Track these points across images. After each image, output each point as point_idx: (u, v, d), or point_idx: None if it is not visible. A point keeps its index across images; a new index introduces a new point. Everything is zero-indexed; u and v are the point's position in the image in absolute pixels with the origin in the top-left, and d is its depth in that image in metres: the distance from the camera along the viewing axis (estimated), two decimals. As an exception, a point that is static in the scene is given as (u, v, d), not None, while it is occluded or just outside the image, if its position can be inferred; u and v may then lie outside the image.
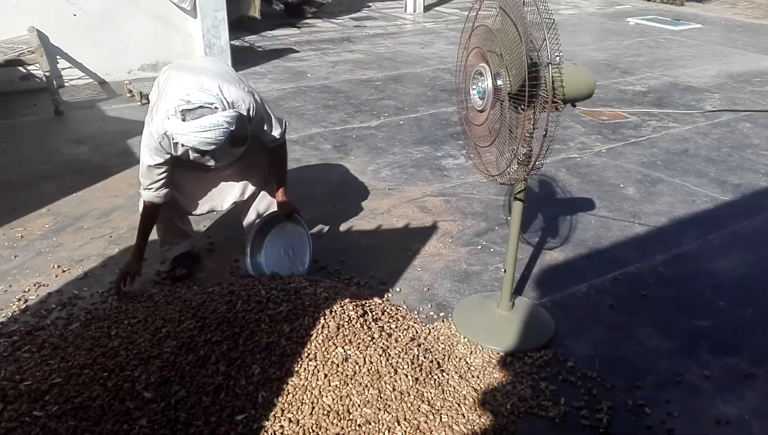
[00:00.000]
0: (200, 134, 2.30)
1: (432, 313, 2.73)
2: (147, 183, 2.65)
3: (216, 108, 2.34)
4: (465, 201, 3.80)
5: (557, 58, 2.15)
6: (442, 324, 2.63)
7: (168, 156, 2.54)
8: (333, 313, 2.28)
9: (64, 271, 2.99)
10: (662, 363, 2.45)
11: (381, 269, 3.06)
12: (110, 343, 2.35)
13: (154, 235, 2.94)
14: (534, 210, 3.69)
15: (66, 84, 6.01)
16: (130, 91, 5.65)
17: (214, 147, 2.36)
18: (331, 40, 8.31)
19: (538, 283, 2.98)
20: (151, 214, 2.77)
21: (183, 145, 2.41)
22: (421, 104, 5.68)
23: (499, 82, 2.16)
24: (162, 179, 2.64)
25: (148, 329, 2.36)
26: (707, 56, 7.81)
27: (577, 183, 4.09)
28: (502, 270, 2.61)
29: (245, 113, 2.52)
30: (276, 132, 2.77)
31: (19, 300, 2.74)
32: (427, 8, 10.50)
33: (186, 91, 2.39)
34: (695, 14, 10.95)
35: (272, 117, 2.76)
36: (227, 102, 2.45)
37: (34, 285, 2.87)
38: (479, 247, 3.30)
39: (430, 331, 2.55)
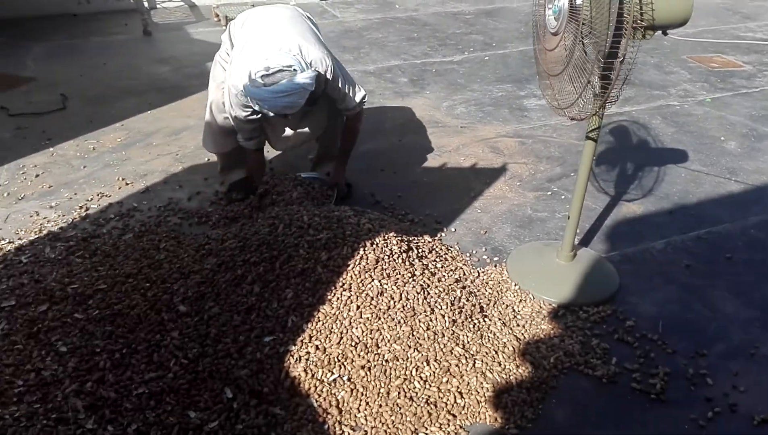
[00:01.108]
0: (280, 99, 2.30)
1: (485, 257, 2.57)
2: (245, 136, 2.69)
3: (295, 70, 2.31)
4: (542, 144, 3.54)
5: (647, -26, 1.86)
6: (493, 269, 2.46)
7: (252, 109, 2.49)
8: (374, 246, 2.17)
9: (127, 184, 3.04)
10: (736, 332, 2.19)
11: (438, 208, 2.90)
12: (157, 255, 2.37)
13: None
14: (617, 157, 3.38)
15: (158, 6, 6.10)
16: (217, 16, 5.65)
17: (293, 110, 2.36)
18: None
19: (609, 236, 2.74)
20: (257, 159, 2.82)
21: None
22: (511, 40, 5.34)
23: (578, 1, 1.90)
24: (256, 127, 2.65)
25: (193, 245, 2.36)
26: None
27: (672, 132, 3.71)
28: (567, 216, 2.39)
29: (323, 73, 2.47)
30: (353, 100, 2.66)
31: (81, 208, 2.82)
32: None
33: (264, 55, 2.35)
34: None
35: (350, 84, 2.65)
36: (306, 62, 2.40)
37: (98, 195, 2.94)
38: (549, 193, 3.07)
39: (479, 275, 2.40)
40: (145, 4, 5.81)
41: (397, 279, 2.09)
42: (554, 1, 2.00)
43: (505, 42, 5.29)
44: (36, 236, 2.59)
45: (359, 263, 2.10)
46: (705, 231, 2.76)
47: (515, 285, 2.35)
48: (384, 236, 2.24)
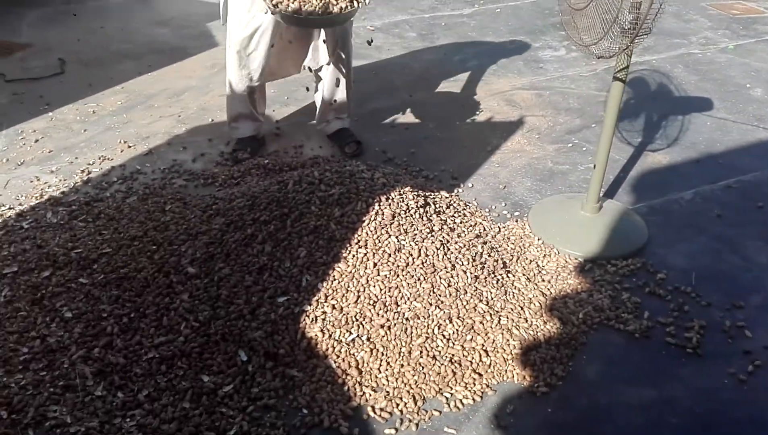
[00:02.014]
0: None
1: (505, 212, 2.45)
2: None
3: None
4: (560, 95, 3.39)
5: None
6: (515, 224, 2.35)
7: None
8: (390, 201, 2.06)
9: (129, 147, 2.93)
10: (774, 283, 2.08)
11: (454, 163, 2.78)
12: (163, 217, 2.27)
13: (221, 115, 2.79)
14: (641, 108, 3.23)
15: (155, -33, 5.89)
16: (216, -25, 5.45)
17: None
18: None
19: (635, 187, 2.61)
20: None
21: None
22: (521, -7, 5.13)
23: (605, -71, 1.75)
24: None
25: (200, 206, 2.25)
26: None
27: (695, 81, 3.55)
28: (592, 166, 2.26)
29: None
30: None
31: (83, 172, 2.71)
32: None
33: None
34: None
35: None
36: None
37: (99, 158, 2.82)
38: (570, 145, 2.93)
39: (500, 230, 2.28)
40: (142, -35, 5.61)
41: (415, 235, 1.98)
42: (579, -70, 1.85)
43: (517, -6, 5.08)
44: (37, 201, 2.49)
45: (375, 219, 1.99)
46: (734, 180, 2.63)
47: (538, 239, 2.24)
48: (399, 191, 2.13)
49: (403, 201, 2.10)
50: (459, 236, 2.08)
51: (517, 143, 2.97)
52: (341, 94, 2.83)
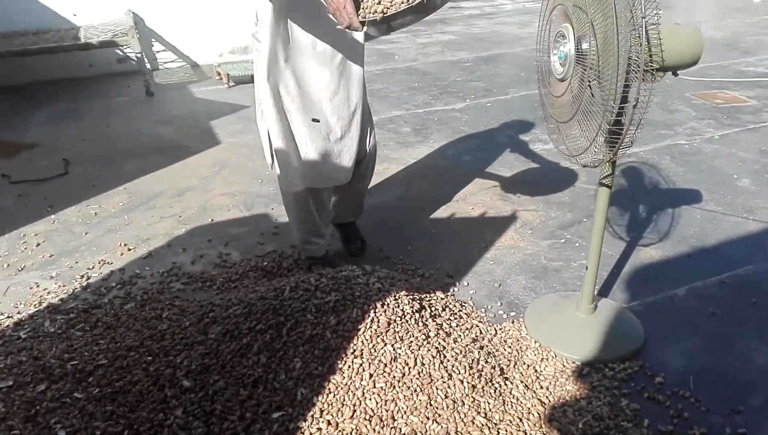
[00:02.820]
0: None
1: (501, 312, 2.46)
2: None
3: None
4: (551, 189, 3.47)
5: (655, 16, 1.81)
6: (511, 325, 2.35)
7: None
8: (385, 307, 2.07)
9: (129, 250, 2.97)
10: (774, 386, 2.06)
11: (449, 260, 2.81)
12: (160, 325, 2.28)
13: (221, 215, 2.83)
14: (630, 201, 3.30)
15: (161, 66, 6.16)
16: (219, 74, 5.69)
17: None
18: (424, 21, 8.04)
19: (629, 284, 2.63)
20: None
21: None
22: (512, 85, 5.34)
23: (584, 46, 1.86)
24: None
25: (196, 313, 2.27)
26: None
27: (683, 172, 3.64)
28: (585, 267, 2.29)
29: None
30: None
31: (82, 277, 2.74)
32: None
33: None
34: (835, -12, 9.72)
35: None
36: None
37: (99, 262, 2.86)
38: (563, 240, 2.98)
39: (496, 332, 2.29)
40: (148, 65, 5.87)
41: (411, 342, 1.99)
42: (559, 47, 1.96)
43: (507, 87, 5.28)
44: (35, 309, 2.51)
45: (370, 327, 2.00)
46: (727, 274, 2.66)
47: (535, 342, 2.24)
48: (395, 295, 2.15)
49: (398, 306, 2.11)
50: (455, 341, 2.09)
51: (511, 239, 3.01)
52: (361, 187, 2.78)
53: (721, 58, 5.98)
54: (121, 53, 5.82)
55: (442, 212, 3.25)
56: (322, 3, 1.96)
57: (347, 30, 1.97)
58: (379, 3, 1.86)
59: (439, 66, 5.94)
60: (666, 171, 3.66)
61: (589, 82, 1.84)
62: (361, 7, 1.90)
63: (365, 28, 1.92)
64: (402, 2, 1.82)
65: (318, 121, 2.37)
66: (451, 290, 2.59)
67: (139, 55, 5.19)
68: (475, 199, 3.38)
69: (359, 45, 2.39)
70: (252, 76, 5.55)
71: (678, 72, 1.92)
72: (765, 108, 4.67)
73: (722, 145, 4.00)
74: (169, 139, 4.38)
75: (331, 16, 1.96)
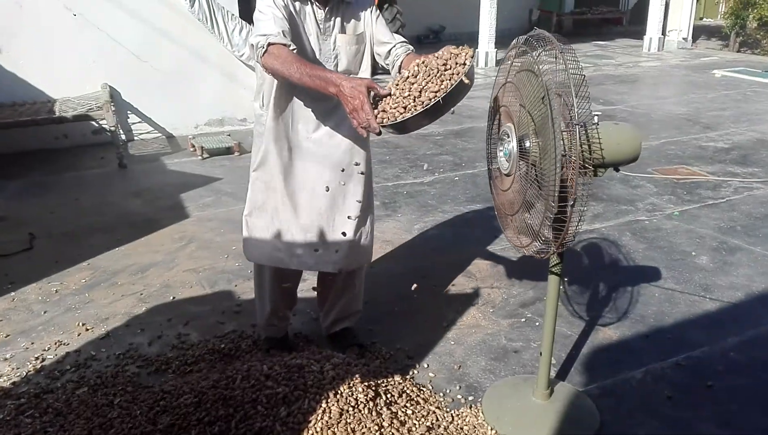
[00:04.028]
0: None
1: (460, 397, 2.45)
2: (268, 29, 2.04)
3: None
4: (514, 266, 3.51)
5: (594, 117, 1.90)
6: (469, 411, 2.34)
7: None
8: (338, 396, 2.06)
9: (87, 330, 2.93)
10: (727, 475, 2.06)
11: (410, 340, 2.81)
12: (110, 412, 2.23)
13: (183, 292, 2.81)
14: (591, 278, 3.35)
15: (136, 138, 6.23)
16: (193, 146, 5.76)
17: None
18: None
19: (587, 366, 2.65)
20: (285, 54, 2.01)
21: None
22: (479, 160, 5.46)
23: (527, 144, 1.93)
24: (281, 17, 2.09)
25: (147, 401, 2.23)
26: (802, 110, 7.18)
27: (642, 249, 3.72)
28: (539, 352, 2.31)
29: None
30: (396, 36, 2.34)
31: (37, 359, 2.70)
32: (500, 62, 10.35)
33: None
34: (790, 65, 10.22)
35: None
36: None
37: (56, 343, 2.82)
38: (523, 319, 3.00)
39: (453, 419, 2.27)
40: (123, 136, 5.94)
41: (363, 433, 1.96)
42: (504, 144, 2.04)
43: (474, 161, 5.41)
44: (-16, 395, 2.45)
45: (322, 418, 1.98)
46: (684, 356, 2.68)
47: (491, 429, 2.22)
48: (349, 383, 2.14)
49: (352, 395, 2.10)
50: (409, 432, 2.07)
51: (473, 317, 3.03)
52: (355, 286, 2.69)
53: (682, 134, 6.20)
54: (97, 124, 5.88)
55: (406, 289, 3.27)
56: (338, 100, 1.97)
57: (364, 130, 1.93)
58: (396, 106, 1.87)
59: (410, 139, 6.07)
60: (626, 247, 3.73)
61: (534, 178, 1.91)
62: (379, 108, 1.91)
63: (382, 129, 1.90)
64: (417, 106, 1.84)
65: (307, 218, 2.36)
66: (411, 373, 2.58)
67: (113, 128, 5.25)
68: (439, 275, 3.41)
69: (366, 143, 2.40)
70: (226, 148, 5.66)
71: (619, 168, 2.01)
72: (724, 183, 4.82)
73: (682, 222, 4.10)
74: (137, 213, 4.39)
75: (348, 115, 1.94)
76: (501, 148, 2.06)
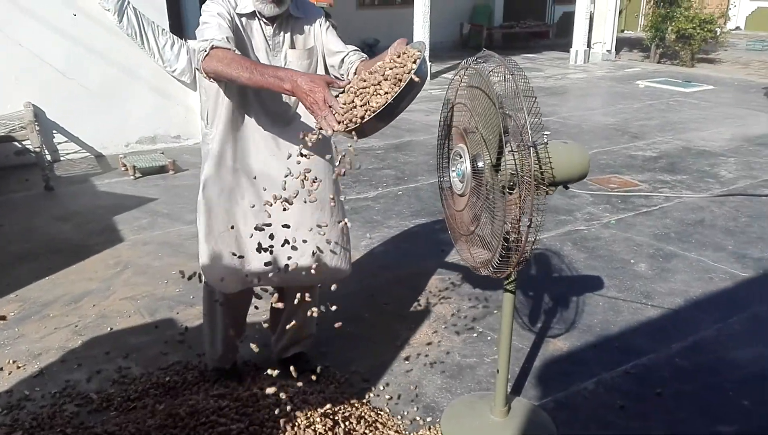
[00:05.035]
0: None
1: (418, 418, 2.42)
2: (212, 34, 1.96)
3: None
4: (462, 280, 3.52)
5: (544, 137, 1.92)
6: (428, 432, 2.32)
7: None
8: (296, 428, 1.99)
9: (19, 368, 2.74)
10: (681, 482, 2.11)
11: (364, 362, 2.77)
12: (47, 460, 2.08)
13: (121, 323, 2.66)
14: (537, 289, 3.40)
15: (62, 158, 5.93)
16: (125, 165, 5.53)
17: None
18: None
19: (540, 379, 2.67)
20: (230, 55, 1.93)
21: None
22: (421, 173, 5.49)
23: (480, 164, 1.93)
24: (227, 26, 2.02)
25: (89, 445, 2.09)
26: (721, 118, 7.59)
27: (584, 258, 3.81)
28: (496, 370, 2.30)
29: None
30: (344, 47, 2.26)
31: (-38, 403, 2.49)
32: (435, 75, 10.50)
33: None
34: (707, 75, 10.82)
35: None
36: None
37: (-17, 384, 2.62)
38: (475, 334, 3.01)
39: (412, 442, 2.24)
40: (48, 157, 5.64)
41: (323, 466, 1.90)
42: (457, 164, 2.03)
43: (416, 175, 5.43)
44: None
45: (279, 453, 1.91)
46: (631, 364, 2.75)
47: (451, 451, 2.20)
48: (306, 414, 2.07)
49: (310, 426, 2.03)
50: (369, 459, 2.02)
51: (425, 334, 3.01)
52: (308, 309, 2.49)
53: (613, 144, 6.43)
54: (20, 145, 5.56)
55: (356, 309, 3.21)
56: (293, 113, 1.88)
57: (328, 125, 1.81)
58: (349, 112, 1.79)
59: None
60: (569, 257, 3.81)
61: (487, 198, 1.91)
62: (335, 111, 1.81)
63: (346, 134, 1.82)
64: (371, 110, 1.78)
65: (262, 229, 2.18)
66: (367, 396, 2.53)
67: (37, 149, 4.97)
68: (388, 293, 3.39)
69: (329, 153, 2.26)
70: (160, 167, 5.47)
71: (569, 185, 2.04)
72: (655, 191, 5.01)
73: (619, 230, 4.23)
74: (67, 238, 4.16)
75: (308, 111, 1.85)
76: (453, 169, 2.05)
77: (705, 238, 4.08)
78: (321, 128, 1.83)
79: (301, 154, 1.95)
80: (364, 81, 1.86)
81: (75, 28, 5.65)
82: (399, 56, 1.88)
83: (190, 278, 2.25)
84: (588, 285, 3.48)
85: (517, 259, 1.88)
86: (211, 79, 1.98)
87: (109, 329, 3.05)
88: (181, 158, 5.83)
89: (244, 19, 2.12)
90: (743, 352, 2.85)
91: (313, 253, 2.28)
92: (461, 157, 1.98)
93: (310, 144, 1.88)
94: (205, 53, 1.91)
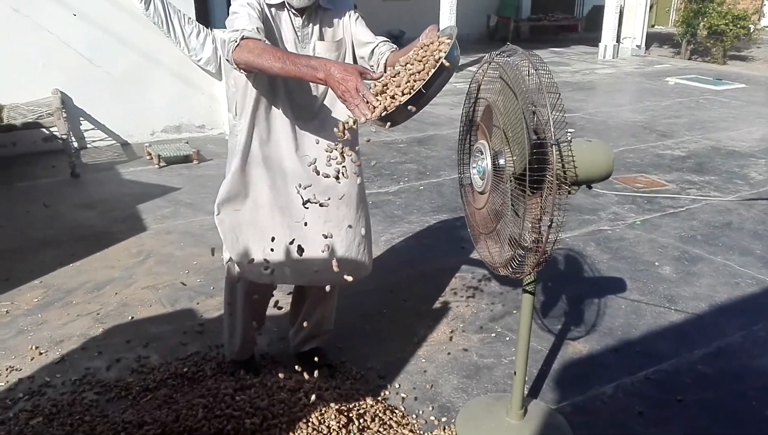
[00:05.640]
0: None
1: (433, 418, 2.40)
2: (242, 25, 1.95)
3: None
4: (482, 278, 3.49)
5: (567, 134, 1.88)
6: (442, 433, 2.30)
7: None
8: (309, 424, 1.99)
9: (41, 354, 2.78)
10: (700, 492, 2.07)
11: (381, 359, 2.76)
12: (66, 446, 2.11)
13: (142, 311, 2.69)
14: (558, 290, 3.36)
15: (89, 145, 6.01)
16: (149, 154, 5.58)
17: None
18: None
19: (558, 382, 2.63)
20: (261, 45, 1.91)
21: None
22: (444, 168, 5.45)
23: (501, 162, 1.90)
24: (257, 17, 2.02)
25: (107, 433, 2.11)
26: (751, 118, 7.42)
27: (607, 259, 3.75)
28: (514, 371, 2.28)
29: None
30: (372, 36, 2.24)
31: (-15, 387, 2.54)
32: (460, 68, 10.41)
33: None
34: (738, 73, 10.58)
35: None
36: None
37: (7, 369, 2.66)
38: (493, 334, 2.98)
39: (426, 442, 2.23)
40: (75, 144, 5.72)
41: (336, 463, 1.90)
42: (478, 161, 2.00)
43: (439, 170, 5.39)
44: (-73, 429, 2.29)
45: (293, 449, 1.91)
46: (653, 370, 2.70)
47: (465, 452, 2.18)
48: (321, 410, 2.07)
49: (323, 422, 2.03)
50: (383, 458, 2.01)
51: (443, 333, 2.99)
52: (328, 304, 2.60)
53: (640, 142, 6.32)
54: (47, 132, 5.64)
55: (374, 305, 3.21)
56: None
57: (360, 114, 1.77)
58: (382, 100, 1.76)
59: (374, 147, 6.02)
60: (591, 258, 3.76)
61: (509, 196, 1.88)
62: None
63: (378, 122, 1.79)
64: (402, 97, 1.75)
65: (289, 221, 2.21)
66: (382, 394, 2.52)
67: (64, 136, 5.04)
68: (408, 289, 3.37)
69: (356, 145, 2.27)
70: (184, 156, 5.51)
71: (592, 186, 1.99)
72: (683, 192, 4.92)
73: (644, 231, 4.16)
74: (91, 226, 4.21)
75: (339, 99, 1.81)
76: (474, 165, 2.02)
77: (732, 241, 3.99)
78: (353, 118, 1.80)
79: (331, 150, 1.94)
80: (395, 69, 1.84)
81: (101, 14, 5.70)
82: (431, 44, 1.85)
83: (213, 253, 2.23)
84: (610, 287, 3.42)
85: (537, 259, 1.85)
86: (241, 70, 1.98)
87: (130, 318, 3.08)
88: (205, 148, 5.86)
89: (273, 10, 2.11)
90: (768, 360, 2.79)
91: (338, 250, 2.27)
92: (482, 153, 1.95)
93: (344, 135, 1.87)
94: (236, 44, 1.90)
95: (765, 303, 3.28)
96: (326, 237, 2.21)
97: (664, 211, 4.50)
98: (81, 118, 5.90)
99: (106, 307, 3.18)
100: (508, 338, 2.94)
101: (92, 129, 5.99)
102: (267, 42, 1.95)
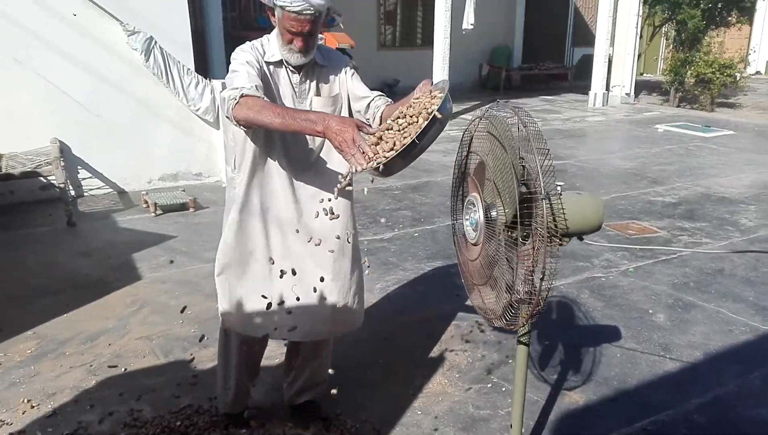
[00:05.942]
0: None
1: (428, 473, 2.38)
2: (241, 83, 2.02)
3: None
4: (476, 327, 3.49)
5: (557, 188, 1.93)
6: (438, 488, 2.27)
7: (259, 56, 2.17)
8: (304, 480, 1.96)
9: (33, 407, 2.75)
10: None
11: (377, 410, 2.74)
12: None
13: (136, 363, 2.67)
14: (553, 338, 3.36)
15: (86, 193, 6.04)
16: (146, 202, 5.62)
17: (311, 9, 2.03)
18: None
19: (555, 434, 2.62)
20: (260, 103, 1.98)
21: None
22: (438, 215, 5.50)
23: (493, 214, 1.94)
24: (255, 75, 2.08)
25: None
26: (740, 164, 7.54)
27: (601, 307, 3.76)
28: (510, 424, 2.27)
29: None
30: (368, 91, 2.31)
31: (-26, 443, 2.51)
32: (453, 116, 10.58)
33: None
34: (726, 120, 10.79)
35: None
36: None
37: (-3, 423, 2.63)
38: (489, 385, 2.97)
39: (422, 497, 2.20)
40: (72, 192, 5.75)
41: None
42: (470, 213, 2.04)
43: (433, 217, 5.44)
44: None
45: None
46: (649, 420, 2.69)
47: (461, 507, 2.16)
48: (315, 465, 2.04)
49: (318, 479, 2.01)
50: None
51: (439, 383, 2.98)
52: (323, 356, 2.59)
53: (631, 188, 6.40)
54: (45, 180, 5.69)
55: (370, 354, 3.20)
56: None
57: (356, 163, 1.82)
58: (378, 151, 1.82)
59: (370, 194, 6.06)
60: (585, 306, 3.77)
61: (500, 248, 1.91)
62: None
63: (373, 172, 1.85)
64: (396, 148, 1.80)
65: (284, 272, 2.26)
66: (377, 448, 2.50)
67: (62, 184, 5.08)
68: (403, 339, 3.36)
69: (349, 212, 2.35)
70: (181, 204, 5.54)
71: (583, 237, 2.03)
72: (674, 238, 4.97)
73: (637, 278, 4.18)
74: (86, 274, 4.21)
75: (336, 150, 1.87)
76: (467, 217, 2.06)
77: (725, 288, 4.02)
78: (350, 171, 1.87)
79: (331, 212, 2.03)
80: (390, 122, 1.91)
81: (99, 63, 5.81)
82: (424, 97, 1.92)
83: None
84: (605, 335, 3.43)
85: (531, 312, 1.87)
86: (241, 127, 2.04)
87: (123, 369, 3.06)
88: (201, 196, 5.91)
89: (272, 67, 2.19)
90: (765, 409, 2.78)
91: (333, 301, 2.30)
92: (474, 206, 1.99)
93: (342, 187, 1.94)
94: (235, 101, 1.97)
95: (759, 350, 3.28)
96: (322, 282, 2.26)
97: (656, 258, 4.54)
98: (79, 167, 5.95)
99: (100, 359, 3.16)
100: (504, 389, 2.93)
101: (89, 177, 6.04)
102: (266, 99, 2.01)
